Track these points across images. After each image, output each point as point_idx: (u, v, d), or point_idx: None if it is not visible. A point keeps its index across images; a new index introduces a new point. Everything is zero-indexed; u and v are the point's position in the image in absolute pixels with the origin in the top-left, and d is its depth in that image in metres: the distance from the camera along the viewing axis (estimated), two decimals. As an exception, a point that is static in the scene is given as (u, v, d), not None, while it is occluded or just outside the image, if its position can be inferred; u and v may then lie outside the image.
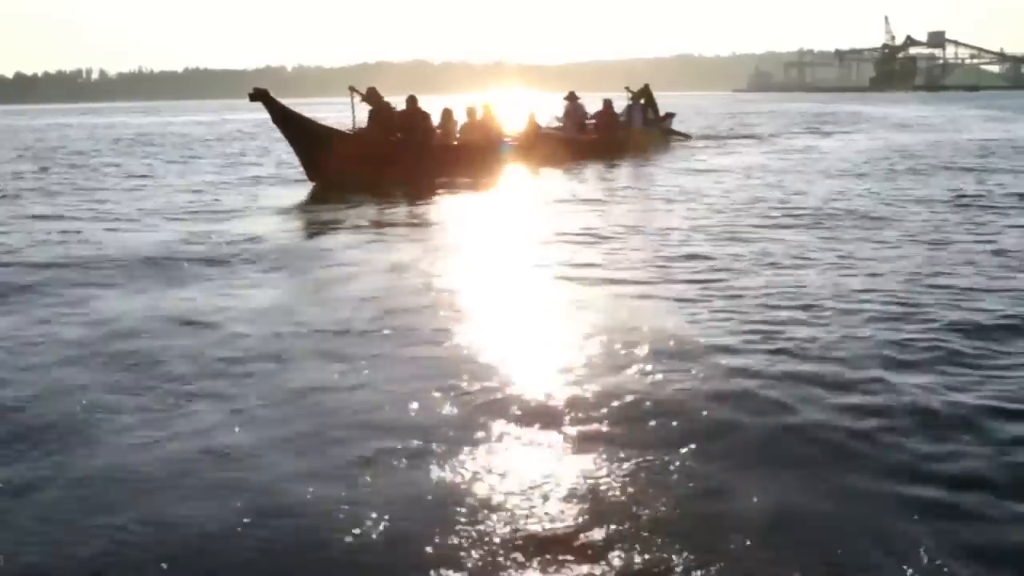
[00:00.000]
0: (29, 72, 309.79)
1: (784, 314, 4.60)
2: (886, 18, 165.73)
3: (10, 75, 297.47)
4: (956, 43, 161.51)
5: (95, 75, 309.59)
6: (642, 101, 18.97)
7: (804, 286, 5.27)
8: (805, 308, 4.73)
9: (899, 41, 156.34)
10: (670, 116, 20.49)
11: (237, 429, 3.13)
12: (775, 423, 3.14)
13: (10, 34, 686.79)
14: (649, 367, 3.74)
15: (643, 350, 3.97)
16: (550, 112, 17.43)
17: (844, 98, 77.92)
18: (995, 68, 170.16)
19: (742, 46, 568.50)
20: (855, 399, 3.35)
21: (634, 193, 10.76)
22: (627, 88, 19.41)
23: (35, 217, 9.09)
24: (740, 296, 5.04)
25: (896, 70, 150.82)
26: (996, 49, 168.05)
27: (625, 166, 14.61)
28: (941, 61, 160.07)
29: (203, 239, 7.44)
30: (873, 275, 5.55)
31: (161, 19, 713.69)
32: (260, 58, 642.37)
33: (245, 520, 2.44)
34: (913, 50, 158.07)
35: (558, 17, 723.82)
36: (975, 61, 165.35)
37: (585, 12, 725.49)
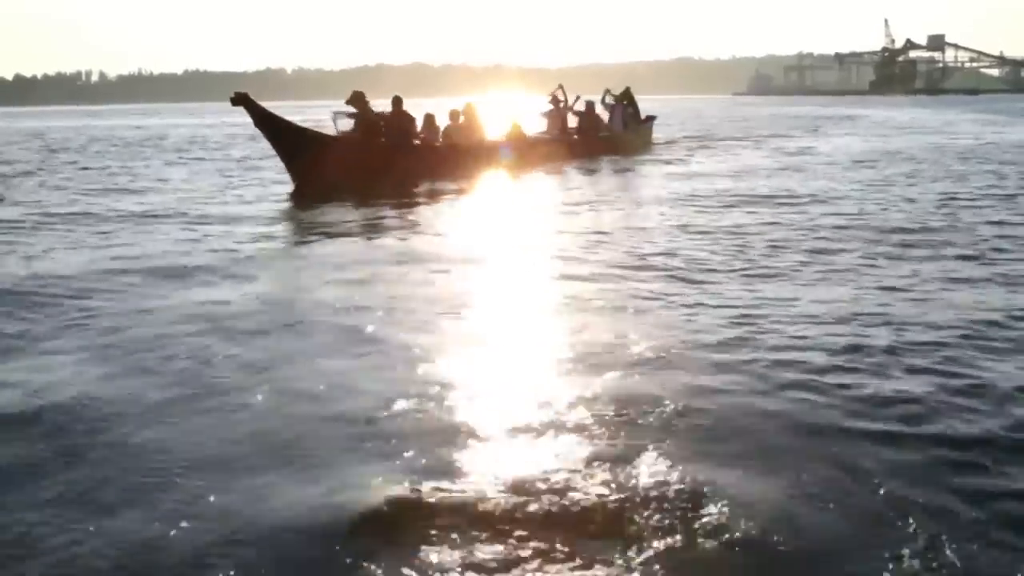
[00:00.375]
0: (28, 74, 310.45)
1: (762, 310, 4.84)
2: (886, 21, 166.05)
3: (9, 77, 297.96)
4: (956, 46, 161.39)
5: (95, 77, 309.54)
6: (624, 103, 19.10)
7: (782, 281, 5.53)
8: (781, 302, 4.97)
9: (899, 44, 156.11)
10: (651, 119, 20.62)
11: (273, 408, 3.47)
12: (750, 409, 3.38)
13: (9, 35, 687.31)
14: (633, 360, 3.99)
15: (626, 342, 4.22)
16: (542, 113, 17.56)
17: (844, 101, 78.11)
18: (995, 71, 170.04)
19: (742, 49, 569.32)
20: (828, 388, 3.58)
21: (619, 194, 11.03)
22: (608, 91, 19.53)
23: (53, 218, 9.27)
24: (724, 293, 5.29)
25: (896, 73, 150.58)
26: (996, 52, 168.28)
27: (610, 168, 14.82)
28: (941, 64, 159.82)
29: (216, 241, 7.70)
30: (850, 269, 5.80)
31: (161, 21, 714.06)
32: (260, 60, 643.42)
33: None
34: (913, 53, 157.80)
35: (558, 20, 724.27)
36: (975, 64, 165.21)
37: (584, 15, 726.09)
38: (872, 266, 5.99)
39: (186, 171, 15.23)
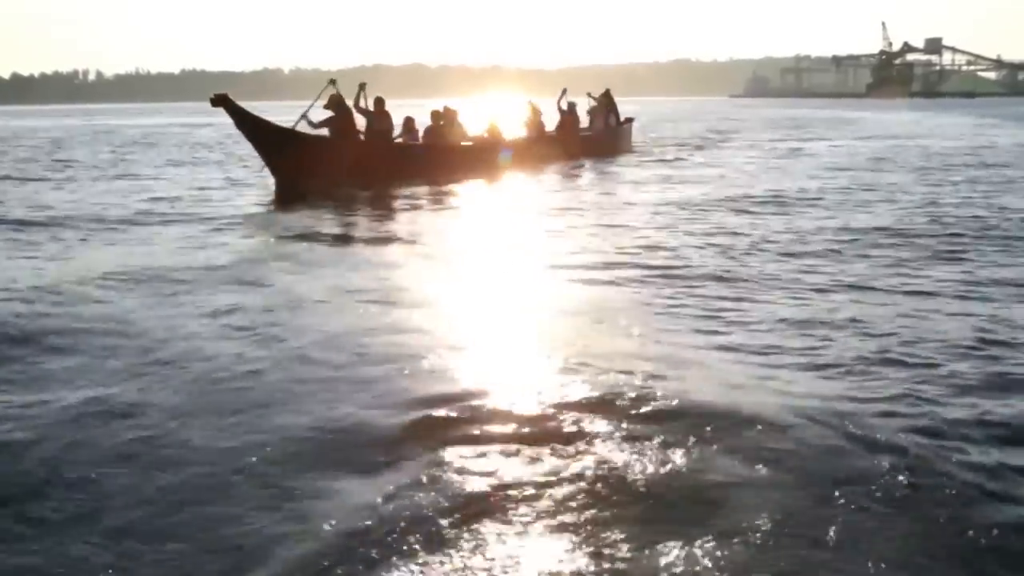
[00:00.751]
0: (26, 73, 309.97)
1: (733, 304, 5.10)
2: (883, 24, 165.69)
3: (7, 76, 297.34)
4: (953, 50, 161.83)
5: (92, 76, 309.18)
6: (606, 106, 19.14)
7: (754, 271, 5.76)
8: (752, 296, 5.23)
9: (896, 47, 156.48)
10: (629, 121, 20.73)
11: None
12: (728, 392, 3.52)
13: (7, 34, 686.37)
14: (612, 348, 4.20)
15: (605, 332, 4.46)
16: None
17: (840, 104, 78.40)
18: (992, 75, 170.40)
19: (740, 51, 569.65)
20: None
21: (593, 194, 11.30)
22: (588, 94, 19.67)
23: (58, 218, 9.39)
24: (696, 293, 5.53)
25: (893, 76, 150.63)
26: (993, 56, 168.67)
27: (587, 169, 14.97)
28: (938, 68, 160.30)
29: (212, 239, 7.96)
30: (828, 272, 6.04)
31: (158, 20, 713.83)
32: (257, 60, 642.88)
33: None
34: (910, 56, 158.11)
35: (556, 21, 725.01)
36: (972, 68, 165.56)
37: (583, 16, 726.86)
38: (847, 267, 6.20)
39: (185, 170, 15.41)
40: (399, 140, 13.58)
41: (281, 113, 13.25)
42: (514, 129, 16.32)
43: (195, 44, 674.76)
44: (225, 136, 26.79)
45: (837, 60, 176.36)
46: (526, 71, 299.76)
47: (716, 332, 4.47)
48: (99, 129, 35.63)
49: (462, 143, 14.25)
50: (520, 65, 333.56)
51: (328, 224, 8.73)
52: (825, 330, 4.45)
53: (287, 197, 11.27)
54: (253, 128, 11.94)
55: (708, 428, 3.09)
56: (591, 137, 18.14)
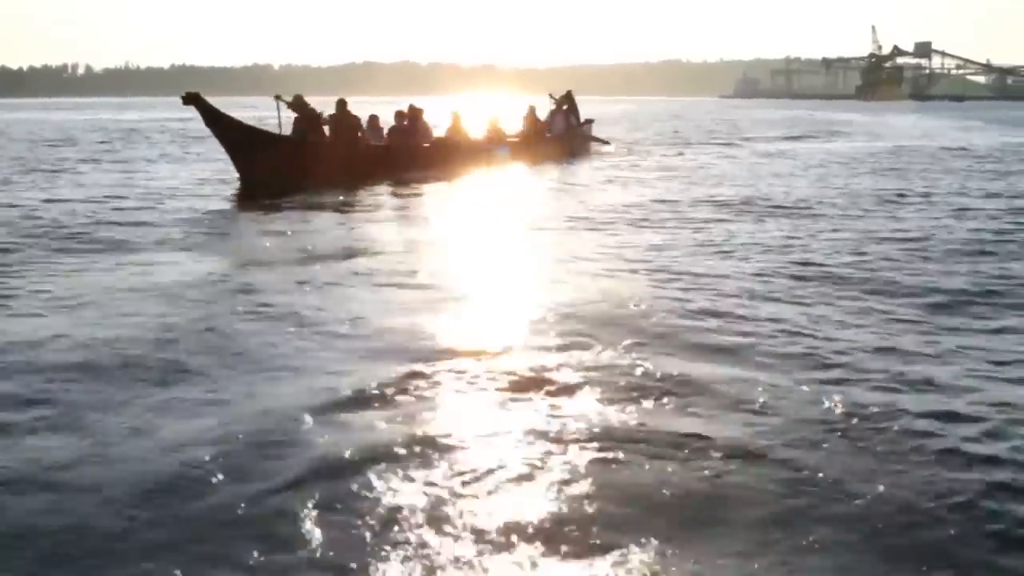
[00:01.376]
0: (14, 66, 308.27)
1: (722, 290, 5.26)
2: (873, 28, 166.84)
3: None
4: (943, 53, 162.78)
5: (81, 70, 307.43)
6: (565, 107, 19.16)
7: (723, 269, 5.92)
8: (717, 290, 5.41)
9: (886, 51, 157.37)
10: (589, 122, 20.75)
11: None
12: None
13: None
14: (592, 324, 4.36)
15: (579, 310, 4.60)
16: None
17: (829, 106, 78.85)
18: (981, 79, 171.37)
19: (730, 53, 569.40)
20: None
21: (563, 194, 11.38)
22: (551, 95, 19.69)
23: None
24: (681, 276, 5.71)
25: (882, 79, 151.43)
26: (982, 60, 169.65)
27: (545, 169, 14.97)
28: (927, 71, 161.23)
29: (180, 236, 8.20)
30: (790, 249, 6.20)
31: (148, 15, 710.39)
32: (247, 56, 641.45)
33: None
34: (900, 60, 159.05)
35: (549, 20, 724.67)
36: (961, 72, 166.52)
37: (576, 16, 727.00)
38: (806, 259, 6.38)
39: (178, 166, 15.49)
40: (364, 137, 13.59)
41: (272, 110, 13.29)
42: (479, 129, 16.15)
43: (185, 40, 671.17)
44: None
45: (827, 62, 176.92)
46: (519, 70, 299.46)
47: (688, 315, 4.74)
48: (92, 126, 35.51)
49: (424, 144, 14.18)
50: (513, 64, 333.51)
51: (295, 223, 8.76)
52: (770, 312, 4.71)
53: (253, 196, 11.25)
54: (222, 126, 11.99)
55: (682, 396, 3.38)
56: (552, 138, 18.13)
